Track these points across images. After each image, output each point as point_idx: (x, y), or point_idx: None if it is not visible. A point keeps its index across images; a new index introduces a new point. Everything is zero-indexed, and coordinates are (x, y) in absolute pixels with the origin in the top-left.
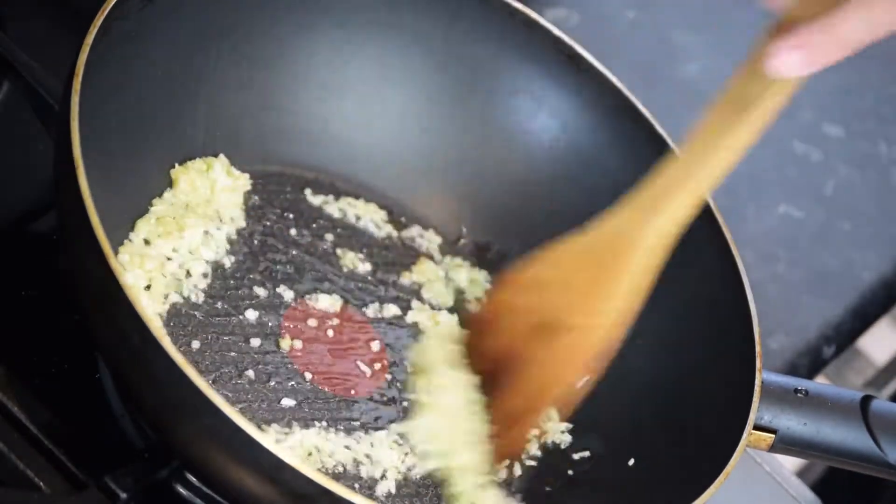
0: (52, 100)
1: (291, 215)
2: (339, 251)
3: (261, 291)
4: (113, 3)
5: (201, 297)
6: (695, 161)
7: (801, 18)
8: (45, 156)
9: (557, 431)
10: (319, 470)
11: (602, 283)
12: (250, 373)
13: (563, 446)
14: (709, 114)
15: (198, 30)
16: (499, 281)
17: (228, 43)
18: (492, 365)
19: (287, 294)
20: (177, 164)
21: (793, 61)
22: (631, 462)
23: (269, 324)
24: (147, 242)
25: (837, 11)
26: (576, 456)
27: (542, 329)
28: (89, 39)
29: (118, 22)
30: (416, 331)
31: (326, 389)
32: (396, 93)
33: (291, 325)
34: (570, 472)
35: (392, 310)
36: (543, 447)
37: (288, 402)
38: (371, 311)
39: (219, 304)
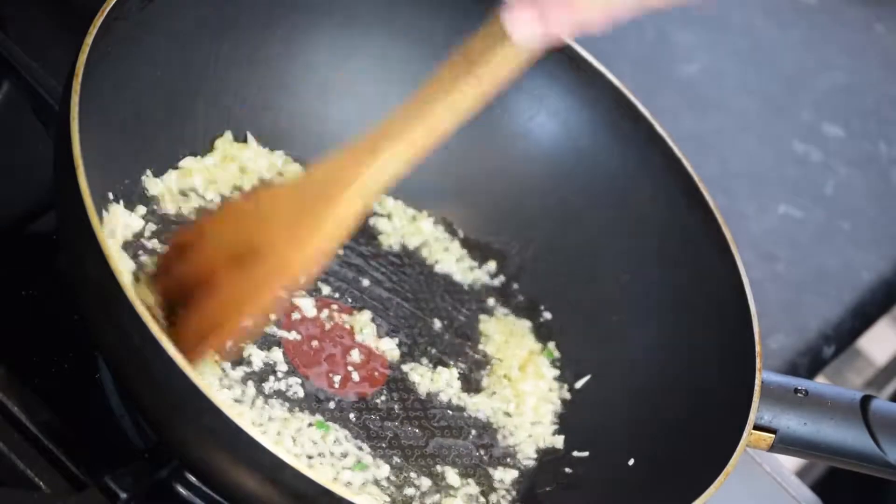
0: (52, 100)
1: None
2: (339, 251)
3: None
4: (113, 3)
5: None
6: (415, 114)
7: None
8: (45, 156)
9: (554, 433)
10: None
11: (304, 222)
12: (250, 372)
13: (562, 446)
14: (440, 69)
15: (198, 30)
16: (209, 210)
17: (228, 43)
18: (182, 288)
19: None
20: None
21: (524, 22)
22: (631, 462)
23: (270, 320)
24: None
25: None
26: (575, 456)
27: (238, 258)
28: (89, 39)
29: (118, 22)
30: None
31: (327, 388)
32: (396, 93)
33: (291, 323)
34: (569, 472)
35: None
36: (541, 448)
37: (287, 403)
38: (368, 309)
39: None
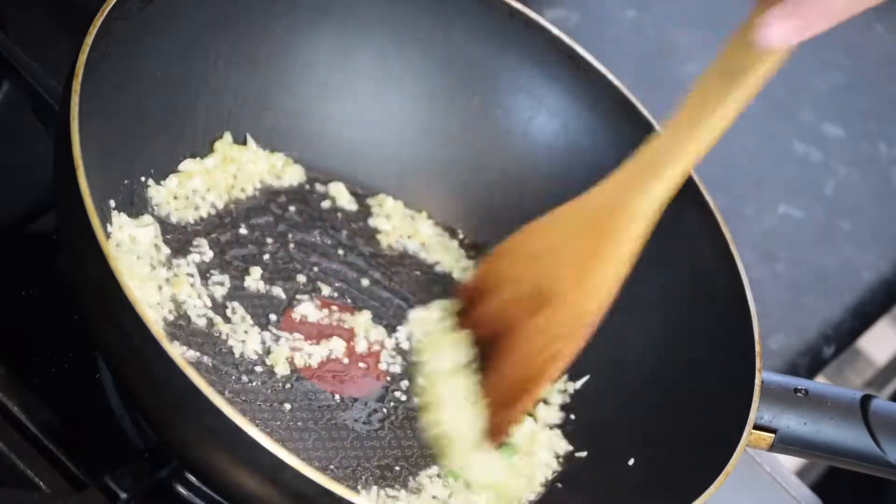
0: (52, 100)
1: (290, 214)
2: (339, 251)
3: (260, 288)
4: (113, 3)
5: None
6: (682, 133)
7: None
8: (45, 156)
9: (555, 433)
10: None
11: (590, 253)
12: (250, 372)
13: (561, 446)
14: (697, 85)
15: (198, 30)
16: (490, 253)
17: (228, 43)
18: (485, 335)
19: (285, 292)
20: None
21: (783, 30)
22: (631, 462)
23: (270, 321)
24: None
25: None
26: (575, 456)
27: (534, 299)
28: (89, 40)
29: (118, 22)
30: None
31: (327, 390)
32: (396, 92)
33: (291, 323)
34: (569, 472)
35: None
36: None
37: (287, 404)
38: (369, 309)
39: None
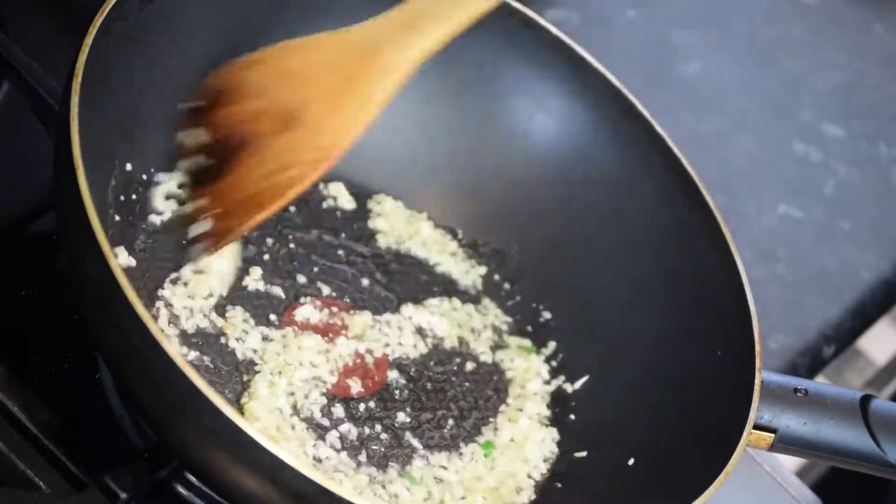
0: (52, 100)
1: (290, 214)
2: (339, 251)
3: (260, 288)
4: (113, 3)
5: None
6: None
7: None
8: (45, 156)
9: (553, 433)
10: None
11: (344, 90)
12: (251, 372)
13: (561, 446)
14: None
15: (197, 30)
16: (246, 57)
17: (228, 43)
18: (222, 139)
19: (285, 292)
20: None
21: None
22: (631, 462)
23: (270, 321)
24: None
25: None
26: (574, 456)
27: (280, 118)
28: (89, 40)
29: (118, 22)
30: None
31: (327, 390)
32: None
33: (291, 323)
34: (569, 472)
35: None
36: (540, 448)
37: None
38: (369, 309)
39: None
